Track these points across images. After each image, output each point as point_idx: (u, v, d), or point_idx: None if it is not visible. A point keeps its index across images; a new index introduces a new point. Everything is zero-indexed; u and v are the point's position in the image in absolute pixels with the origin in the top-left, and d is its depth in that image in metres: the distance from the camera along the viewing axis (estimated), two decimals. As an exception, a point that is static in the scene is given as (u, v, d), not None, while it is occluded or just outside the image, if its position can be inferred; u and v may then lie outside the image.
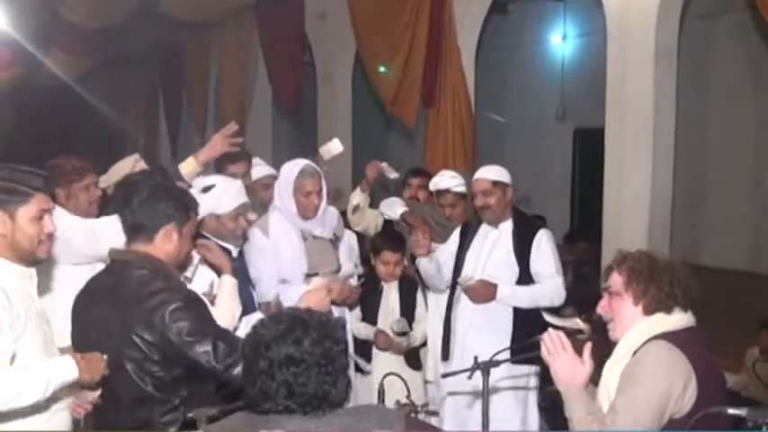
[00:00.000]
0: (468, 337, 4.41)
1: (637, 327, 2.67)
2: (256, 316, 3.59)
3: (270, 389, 1.95)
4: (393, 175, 5.35)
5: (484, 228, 4.55)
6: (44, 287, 2.94)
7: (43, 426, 2.70)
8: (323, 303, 3.31)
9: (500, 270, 4.43)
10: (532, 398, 4.55)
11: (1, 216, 2.59)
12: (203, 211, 3.50)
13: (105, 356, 2.69)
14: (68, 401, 2.80)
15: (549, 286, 4.41)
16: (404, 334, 4.64)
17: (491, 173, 4.51)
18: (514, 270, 4.42)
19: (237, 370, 2.68)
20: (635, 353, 2.61)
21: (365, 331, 4.69)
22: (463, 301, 4.49)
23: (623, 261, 2.75)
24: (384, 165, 5.30)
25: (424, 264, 4.64)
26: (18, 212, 2.61)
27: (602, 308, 2.80)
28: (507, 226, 4.50)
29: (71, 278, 3.43)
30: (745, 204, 8.70)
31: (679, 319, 2.66)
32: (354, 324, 4.65)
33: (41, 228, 2.66)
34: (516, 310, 4.39)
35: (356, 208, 5.20)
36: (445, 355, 4.60)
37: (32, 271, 2.73)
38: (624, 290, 2.71)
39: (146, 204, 2.86)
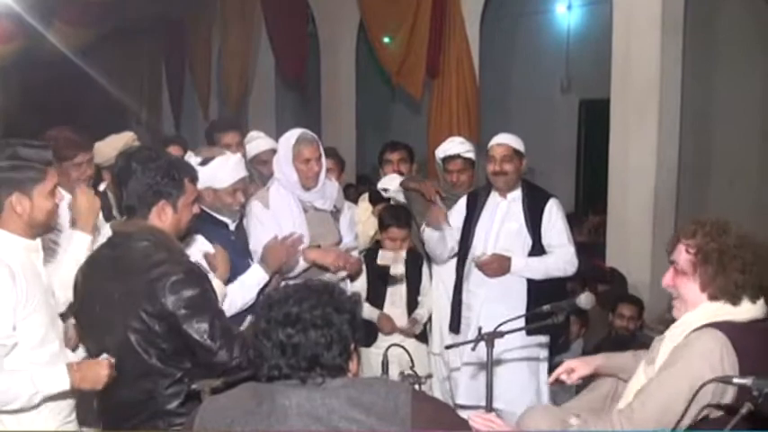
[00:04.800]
0: (483, 311, 4.40)
1: (699, 310, 2.54)
2: (250, 275, 3.58)
3: (265, 348, 1.97)
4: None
5: (493, 198, 4.52)
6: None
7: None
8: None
9: (513, 242, 4.43)
10: (544, 368, 4.57)
11: (18, 197, 2.59)
12: (200, 183, 3.49)
13: (113, 360, 2.68)
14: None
15: (562, 256, 4.42)
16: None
17: (512, 140, 4.49)
18: (527, 242, 4.42)
19: (231, 353, 2.69)
20: (687, 335, 2.50)
21: (368, 313, 4.69)
22: (476, 275, 4.48)
23: (693, 235, 2.56)
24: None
25: (428, 232, 4.64)
26: (35, 190, 2.61)
27: (667, 282, 2.65)
28: (516, 195, 4.48)
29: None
30: (752, 174, 8.66)
31: (745, 311, 2.51)
32: None
33: (55, 200, 2.68)
34: (530, 282, 4.39)
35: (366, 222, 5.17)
36: (455, 328, 4.60)
37: (38, 244, 2.73)
38: (692, 271, 2.55)
39: (133, 185, 2.84)
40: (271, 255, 3.71)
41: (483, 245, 4.47)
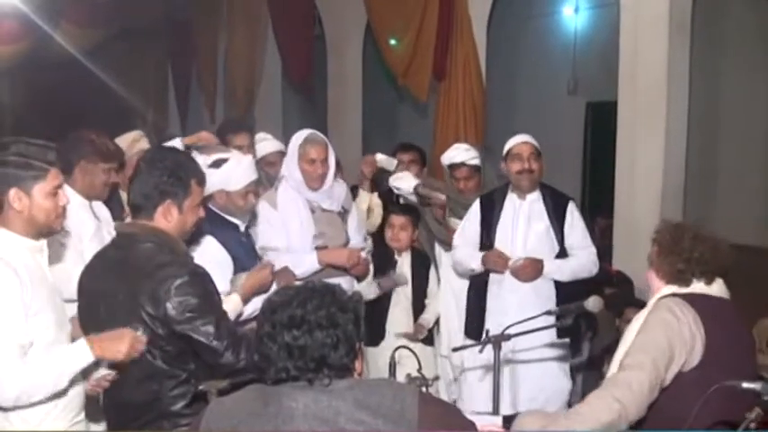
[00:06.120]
0: (515, 316, 4.30)
1: (659, 293, 2.84)
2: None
3: (271, 352, 1.97)
4: (392, 164, 5.25)
5: (511, 200, 4.46)
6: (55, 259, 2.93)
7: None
8: (264, 280, 3.39)
9: (542, 244, 4.39)
10: (566, 370, 4.54)
11: (17, 193, 2.58)
12: (213, 185, 3.49)
13: (139, 333, 2.66)
14: (83, 384, 2.80)
15: (588, 258, 4.41)
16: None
17: (533, 140, 4.46)
18: (554, 244, 4.38)
19: (237, 355, 2.70)
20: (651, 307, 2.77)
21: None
22: (509, 280, 4.39)
23: (656, 233, 2.91)
24: (379, 157, 5.23)
25: (461, 257, 4.59)
26: (34, 188, 2.60)
27: (645, 278, 2.99)
28: (536, 197, 4.44)
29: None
30: (759, 178, 8.64)
31: (697, 288, 2.76)
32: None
33: (57, 201, 2.66)
34: (558, 284, 4.36)
35: (369, 211, 5.14)
36: (475, 334, 4.51)
37: (43, 244, 2.73)
38: (652, 261, 2.89)
39: (138, 184, 2.84)
40: (252, 278, 3.45)
41: (509, 248, 4.39)
